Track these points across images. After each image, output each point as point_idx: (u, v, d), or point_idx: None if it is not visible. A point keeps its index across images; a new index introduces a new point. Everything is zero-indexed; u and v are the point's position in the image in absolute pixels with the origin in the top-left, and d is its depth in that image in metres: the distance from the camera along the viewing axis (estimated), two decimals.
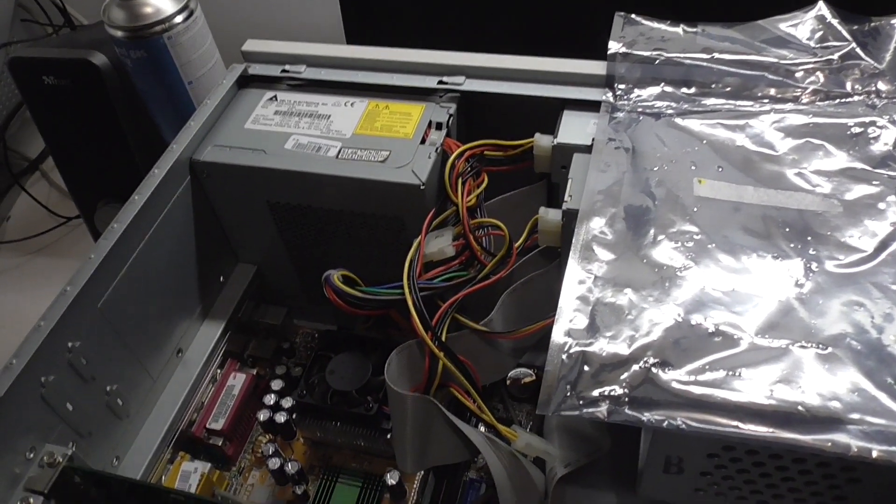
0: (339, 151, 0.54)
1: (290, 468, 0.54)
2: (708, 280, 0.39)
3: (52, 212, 0.90)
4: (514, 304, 0.50)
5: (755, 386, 0.34)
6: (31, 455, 0.43)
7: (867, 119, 0.44)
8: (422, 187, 0.50)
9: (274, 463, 0.54)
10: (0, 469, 0.41)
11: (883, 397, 0.33)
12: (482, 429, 0.49)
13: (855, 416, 0.33)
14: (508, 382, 0.58)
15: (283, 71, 0.60)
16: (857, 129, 0.44)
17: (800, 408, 0.33)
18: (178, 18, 0.66)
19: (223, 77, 0.60)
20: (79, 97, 0.70)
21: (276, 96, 0.59)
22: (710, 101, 0.48)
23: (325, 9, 0.85)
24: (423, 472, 0.53)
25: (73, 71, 0.68)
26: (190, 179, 0.55)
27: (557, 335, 0.38)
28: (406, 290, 0.45)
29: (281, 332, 0.63)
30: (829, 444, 0.32)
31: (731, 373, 0.35)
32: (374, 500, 0.54)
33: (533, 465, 0.49)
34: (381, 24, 0.79)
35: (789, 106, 0.46)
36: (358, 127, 0.56)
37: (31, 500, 0.42)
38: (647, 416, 0.34)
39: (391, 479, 0.52)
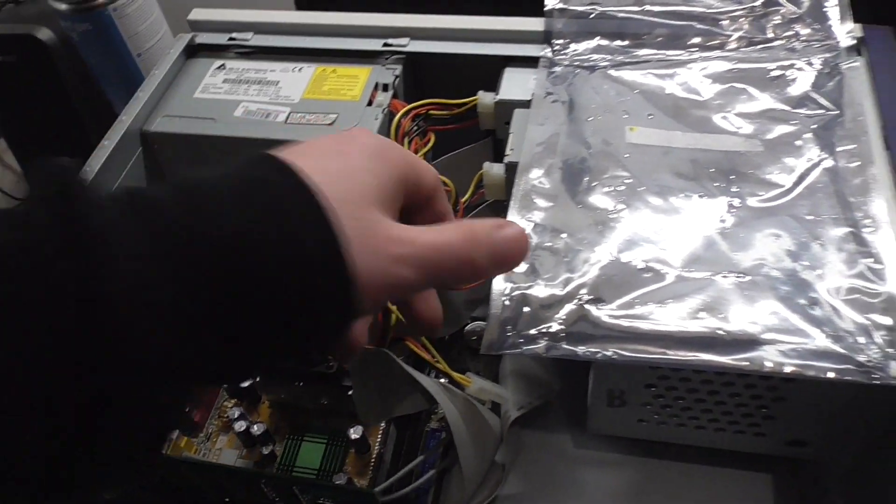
0: (288, 116, 0.55)
1: (256, 430, 0.55)
2: (639, 221, 0.41)
3: (7, 193, 0.89)
4: None
5: (680, 315, 0.36)
6: None
7: (787, 62, 0.46)
8: None
9: (240, 426, 0.55)
10: None
11: (795, 319, 0.35)
12: (439, 378, 0.51)
13: (770, 336, 0.35)
14: (466, 335, 0.60)
15: (231, 39, 0.61)
16: (777, 73, 0.46)
17: (720, 332, 0.35)
18: None
19: (171, 47, 0.60)
20: (26, 74, 0.70)
21: (224, 65, 0.60)
22: (643, 52, 0.49)
23: None
24: (384, 424, 0.56)
25: (19, 47, 0.68)
26: (142, 151, 0.56)
27: (498, 281, 0.40)
28: None
29: None
30: (747, 363, 0.34)
31: (658, 305, 0.37)
32: (339, 455, 0.56)
33: (489, 411, 0.51)
34: None
35: (716, 53, 0.48)
36: (306, 92, 0.57)
37: None
38: (581, 350, 0.36)
39: (354, 433, 0.54)
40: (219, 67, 0.60)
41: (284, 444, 0.57)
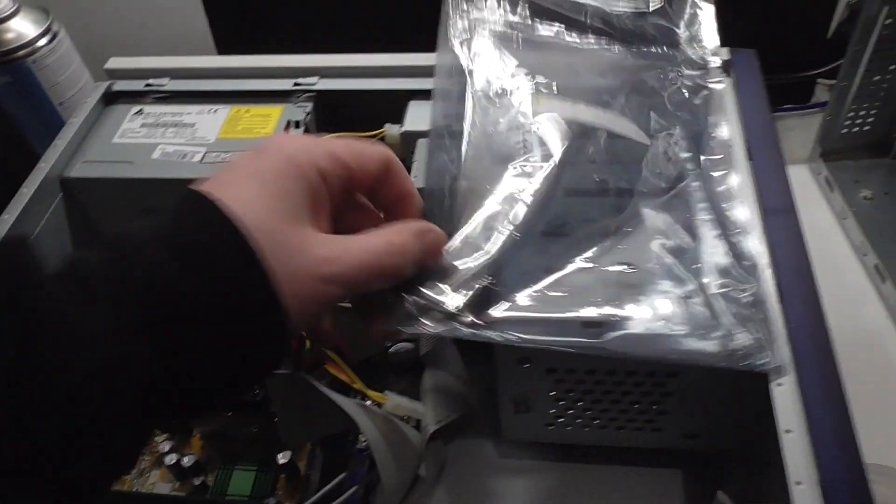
0: (204, 156, 0.57)
1: (186, 461, 0.57)
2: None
3: None
4: None
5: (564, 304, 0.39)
6: None
7: (666, 72, 0.50)
8: None
9: (170, 459, 0.57)
10: None
11: (672, 309, 0.39)
12: (357, 398, 0.53)
13: (648, 324, 0.38)
14: (389, 357, 0.63)
15: (148, 85, 0.63)
16: (658, 78, 0.49)
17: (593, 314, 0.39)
18: (42, 41, 0.68)
19: (88, 96, 0.62)
20: None
21: (142, 110, 0.62)
22: (543, 31, 0.53)
23: (194, 22, 0.88)
24: (309, 447, 0.57)
25: None
26: (62, 197, 0.57)
27: None
28: None
29: None
30: (603, 347, 0.37)
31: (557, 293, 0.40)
32: (269, 481, 0.58)
33: (411, 428, 0.53)
34: (249, 32, 0.83)
35: (605, 46, 0.52)
36: (221, 132, 0.59)
37: None
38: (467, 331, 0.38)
39: (282, 458, 0.55)
40: (136, 113, 0.62)
41: (216, 474, 0.58)
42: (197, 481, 0.57)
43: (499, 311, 0.39)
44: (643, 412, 0.46)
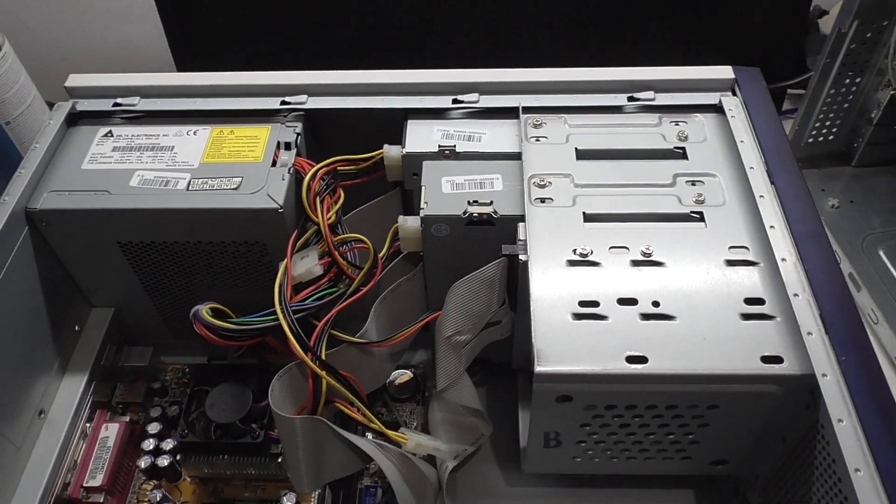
0: (189, 183, 0.53)
1: None
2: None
3: None
4: (385, 311, 0.52)
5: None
6: None
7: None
8: (280, 210, 0.51)
9: None
10: None
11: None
12: (370, 436, 0.51)
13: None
14: (388, 385, 0.60)
15: (116, 105, 0.58)
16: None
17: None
18: None
19: (49, 116, 0.56)
20: None
21: (111, 132, 0.57)
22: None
23: (149, 36, 0.82)
24: (319, 489, 0.54)
25: None
26: (28, 230, 0.52)
27: None
28: (280, 316, 0.46)
29: (149, 373, 0.61)
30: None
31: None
32: None
33: (424, 462, 0.51)
34: (209, 47, 0.77)
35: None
36: (205, 156, 0.55)
37: None
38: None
39: (288, 501, 0.52)
40: (105, 135, 0.57)
41: None
42: None
43: None
44: (675, 442, 0.46)
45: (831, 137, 0.79)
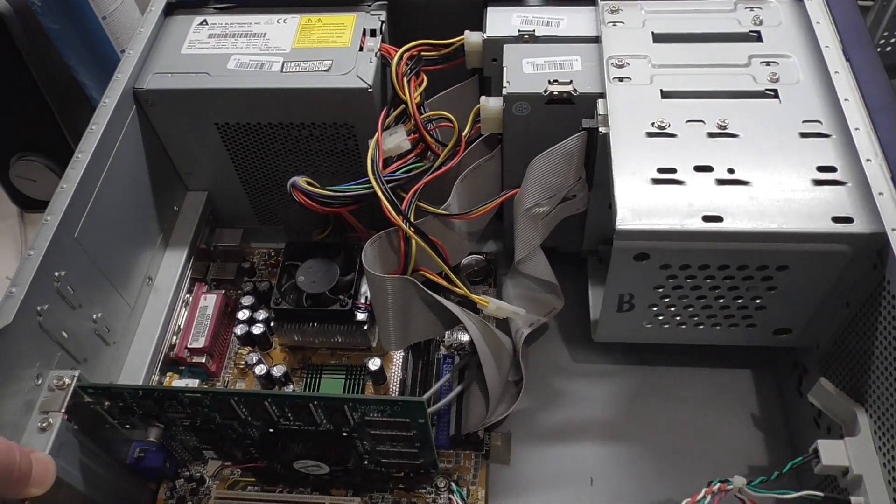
0: (283, 65, 0.56)
1: (276, 371, 0.58)
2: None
3: None
4: (465, 190, 0.55)
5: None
6: (40, 381, 0.45)
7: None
8: (370, 90, 0.54)
9: (260, 369, 0.57)
10: (13, 396, 0.43)
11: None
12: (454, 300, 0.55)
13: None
14: (462, 269, 0.64)
15: None
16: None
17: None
18: None
19: (151, 4, 0.60)
20: None
21: (206, 20, 0.60)
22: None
23: None
24: (403, 353, 0.59)
25: None
26: (136, 110, 0.56)
27: None
28: (374, 183, 0.49)
29: (239, 254, 0.66)
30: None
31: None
32: (358, 387, 0.59)
33: (499, 331, 0.55)
34: None
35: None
36: (295, 41, 0.58)
37: (51, 420, 0.44)
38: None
39: (372, 365, 0.57)
40: (201, 23, 0.60)
41: (304, 382, 0.60)
42: (287, 390, 0.58)
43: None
44: (742, 307, 0.48)
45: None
